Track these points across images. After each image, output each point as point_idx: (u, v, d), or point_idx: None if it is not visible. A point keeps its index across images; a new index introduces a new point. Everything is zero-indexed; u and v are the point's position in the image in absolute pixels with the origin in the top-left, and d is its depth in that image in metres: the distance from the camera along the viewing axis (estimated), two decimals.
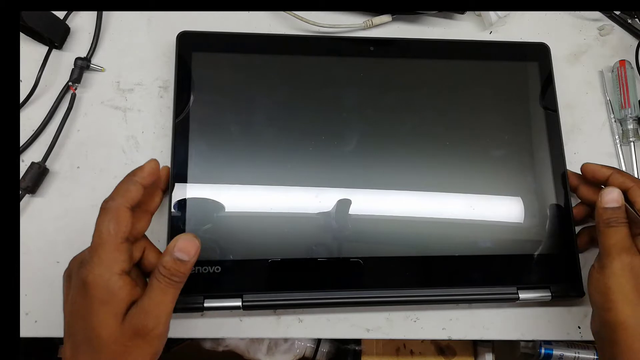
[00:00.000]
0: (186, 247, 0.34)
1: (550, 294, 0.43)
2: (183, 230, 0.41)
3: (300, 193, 0.43)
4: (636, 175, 0.49)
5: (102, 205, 0.35)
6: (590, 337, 0.44)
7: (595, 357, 0.59)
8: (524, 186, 0.46)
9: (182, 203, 0.41)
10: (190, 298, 0.39)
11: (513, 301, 0.43)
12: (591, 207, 0.45)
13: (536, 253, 0.44)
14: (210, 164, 0.42)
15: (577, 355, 0.59)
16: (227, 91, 0.45)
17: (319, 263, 0.42)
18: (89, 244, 0.34)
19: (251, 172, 0.43)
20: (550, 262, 0.44)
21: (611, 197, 0.40)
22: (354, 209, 0.43)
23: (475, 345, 0.57)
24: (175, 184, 0.41)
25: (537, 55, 0.50)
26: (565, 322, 0.45)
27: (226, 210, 0.42)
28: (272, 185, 0.43)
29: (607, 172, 0.43)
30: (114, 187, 0.36)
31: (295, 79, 0.46)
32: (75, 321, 0.33)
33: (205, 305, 0.40)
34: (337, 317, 0.43)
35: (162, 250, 0.37)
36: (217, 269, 0.40)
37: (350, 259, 0.42)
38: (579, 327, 0.45)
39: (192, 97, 0.44)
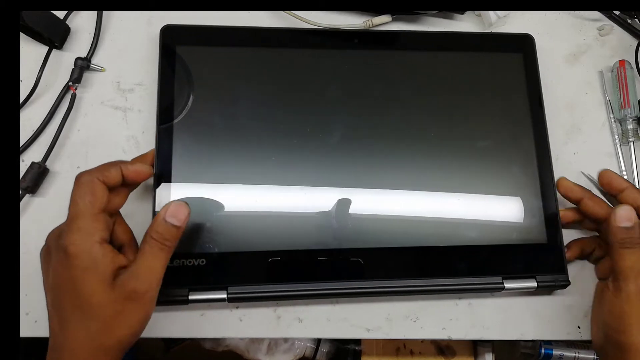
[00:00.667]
0: (177, 212, 0.36)
1: (535, 284, 0.43)
2: None
3: (284, 187, 0.43)
4: (635, 176, 0.49)
5: (76, 177, 0.35)
6: (590, 337, 0.45)
7: (595, 357, 0.59)
8: (510, 178, 0.46)
9: (165, 201, 0.41)
10: (175, 290, 0.40)
11: (498, 290, 0.43)
12: (592, 220, 0.45)
13: (522, 243, 0.44)
14: (194, 159, 0.43)
15: (577, 355, 0.59)
16: (212, 85, 0.45)
17: (304, 254, 0.42)
18: None
19: (236, 166, 0.43)
20: (536, 252, 0.44)
21: (626, 215, 0.39)
22: (339, 202, 0.43)
23: (475, 345, 0.57)
24: (160, 181, 0.42)
25: (521, 47, 0.50)
26: (565, 322, 0.45)
27: (211, 205, 0.42)
28: (256, 179, 0.43)
29: (623, 185, 0.43)
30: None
31: (279, 72, 0.46)
32: (61, 294, 0.33)
33: (190, 297, 0.40)
34: (337, 317, 0.43)
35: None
36: (202, 261, 0.41)
37: (339, 250, 0.42)
38: (579, 327, 0.45)
39: (175, 92, 0.44)
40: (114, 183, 0.37)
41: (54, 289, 0.34)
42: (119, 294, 0.33)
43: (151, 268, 0.35)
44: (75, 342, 0.33)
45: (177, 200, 0.37)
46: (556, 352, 0.59)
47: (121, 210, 0.40)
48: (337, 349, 0.63)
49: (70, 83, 0.45)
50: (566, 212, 0.46)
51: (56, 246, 0.34)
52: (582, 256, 0.46)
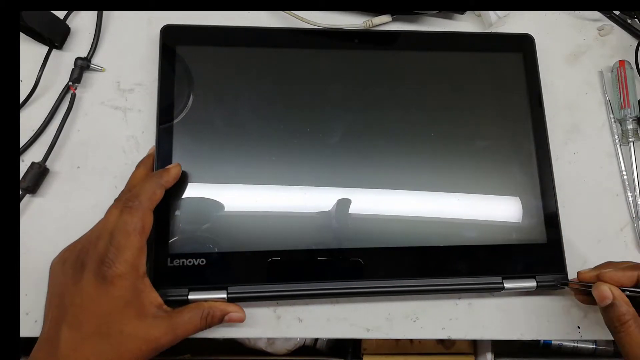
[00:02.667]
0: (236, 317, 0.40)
1: (535, 284, 0.43)
2: (167, 226, 0.41)
3: (284, 187, 0.43)
4: (635, 176, 0.49)
5: (125, 203, 0.35)
6: (590, 337, 0.45)
7: (594, 346, 0.60)
8: (510, 179, 0.46)
9: (165, 201, 0.41)
10: (175, 290, 0.40)
11: (498, 290, 0.43)
12: None
13: (522, 243, 0.44)
14: (194, 159, 0.43)
15: (575, 344, 0.60)
16: (212, 85, 0.45)
17: (304, 254, 0.42)
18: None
19: (236, 166, 0.43)
20: (535, 252, 0.44)
21: (599, 294, 0.38)
22: (339, 202, 0.43)
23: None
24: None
25: (521, 47, 0.50)
26: (565, 322, 0.45)
27: (211, 205, 0.42)
28: (256, 179, 0.43)
29: (594, 273, 0.41)
30: (127, 183, 0.38)
31: (279, 72, 0.46)
32: (87, 316, 0.33)
33: (190, 297, 0.40)
34: (337, 316, 0.43)
35: None
36: (202, 261, 0.41)
37: (339, 250, 0.42)
38: (579, 327, 0.45)
39: (175, 92, 0.44)
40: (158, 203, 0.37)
41: (76, 306, 0.34)
42: (155, 333, 0.34)
43: (192, 320, 0.37)
44: None
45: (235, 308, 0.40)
46: (555, 341, 0.60)
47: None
48: (338, 338, 0.62)
49: (70, 83, 0.45)
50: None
51: (95, 271, 0.34)
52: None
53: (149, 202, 0.35)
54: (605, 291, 0.37)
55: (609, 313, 0.38)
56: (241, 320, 0.40)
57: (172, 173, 0.39)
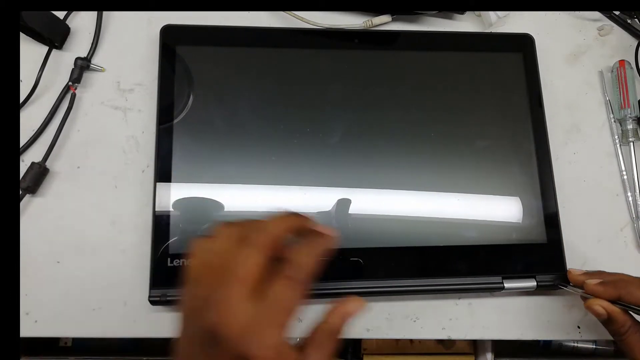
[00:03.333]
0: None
1: (535, 283, 0.43)
2: (167, 226, 0.41)
3: (284, 187, 0.43)
4: (635, 176, 0.49)
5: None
6: (590, 337, 0.45)
7: (594, 346, 0.60)
8: (510, 179, 0.46)
9: (165, 201, 0.41)
10: (175, 290, 0.39)
11: (498, 290, 0.43)
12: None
13: (522, 243, 0.45)
14: (194, 159, 0.43)
15: (575, 345, 0.60)
16: (212, 85, 0.45)
17: None
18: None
19: (236, 166, 0.43)
20: (535, 252, 0.44)
21: (594, 311, 0.39)
22: (339, 202, 0.43)
23: None
24: (160, 181, 0.42)
25: (521, 47, 0.50)
26: (565, 322, 0.45)
27: (211, 205, 0.42)
28: (256, 179, 0.43)
29: (582, 279, 0.41)
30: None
31: (279, 72, 0.46)
32: None
33: None
34: None
35: None
36: None
37: (338, 250, 0.42)
38: (579, 327, 0.45)
39: (175, 92, 0.44)
40: None
41: None
42: None
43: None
44: None
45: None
46: (555, 341, 0.60)
47: (119, 211, 0.40)
48: None
49: (70, 83, 0.45)
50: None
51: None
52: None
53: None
54: (598, 309, 0.38)
55: (608, 326, 0.39)
56: (361, 307, 0.30)
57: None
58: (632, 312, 0.38)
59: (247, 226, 0.29)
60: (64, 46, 0.48)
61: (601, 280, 0.40)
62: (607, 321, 0.38)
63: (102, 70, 0.47)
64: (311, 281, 0.28)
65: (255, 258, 0.27)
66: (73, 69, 0.46)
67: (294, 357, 0.27)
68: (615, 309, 0.38)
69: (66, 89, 0.46)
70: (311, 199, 0.43)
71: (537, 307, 0.45)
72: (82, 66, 0.46)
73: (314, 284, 0.39)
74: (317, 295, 0.42)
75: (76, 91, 0.46)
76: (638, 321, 0.38)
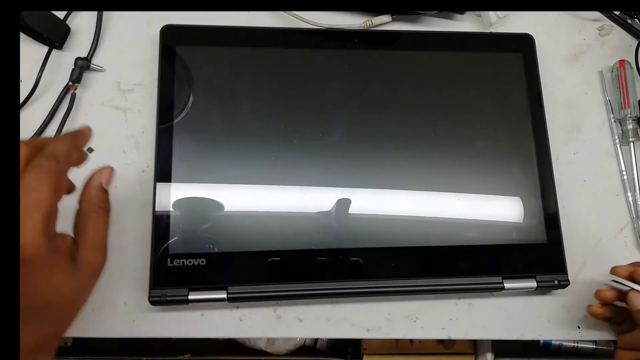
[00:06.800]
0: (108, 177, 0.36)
1: (535, 284, 0.43)
2: (167, 226, 0.41)
3: (284, 187, 0.43)
4: (635, 176, 0.49)
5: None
6: (590, 337, 0.45)
7: (594, 346, 0.60)
8: (510, 178, 0.46)
9: (165, 201, 0.41)
10: (175, 290, 0.40)
11: (498, 290, 0.43)
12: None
13: (522, 243, 0.45)
14: (194, 159, 0.43)
15: (575, 345, 0.60)
16: (212, 85, 0.45)
17: (304, 254, 0.42)
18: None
19: (236, 166, 0.43)
20: (535, 252, 0.44)
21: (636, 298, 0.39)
22: (339, 202, 0.43)
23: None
24: (160, 181, 0.42)
25: (521, 47, 0.50)
26: (565, 322, 0.45)
27: (211, 205, 0.42)
28: (256, 179, 0.43)
29: (630, 269, 0.41)
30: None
31: (279, 72, 0.46)
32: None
33: (190, 297, 0.40)
34: (337, 316, 0.43)
35: None
36: (202, 261, 0.41)
37: (338, 250, 0.42)
38: (579, 327, 0.45)
39: (175, 92, 0.44)
40: None
41: None
42: (80, 276, 0.33)
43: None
44: None
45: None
46: (555, 341, 0.60)
47: (119, 211, 0.40)
48: (338, 338, 0.63)
49: (70, 83, 0.45)
50: (596, 309, 0.43)
51: None
52: (607, 320, 0.44)
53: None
54: None
55: None
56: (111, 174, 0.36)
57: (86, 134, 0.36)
58: None
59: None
60: (64, 46, 0.48)
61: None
62: None
63: (102, 70, 0.47)
64: (67, 167, 0.33)
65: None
66: (73, 69, 0.46)
67: (53, 234, 0.31)
68: None
69: (66, 89, 0.46)
70: (311, 199, 0.43)
71: (537, 307, 0.45)
72: (82, 66, 0.46)
73: (314, 283, 0.40)
74: (318, 295, 0.42)
75: (76, 91, 0.46)
76: None
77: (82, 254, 0.34)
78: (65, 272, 0.33)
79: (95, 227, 0.35)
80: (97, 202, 0.35)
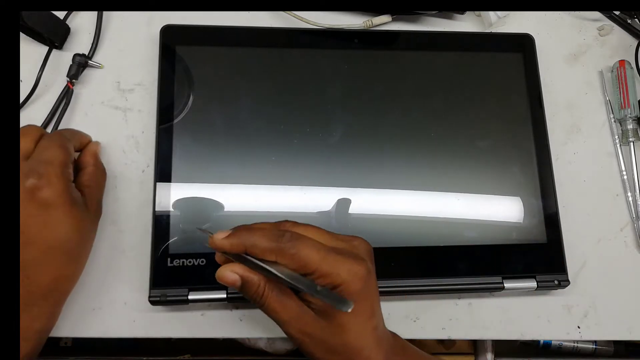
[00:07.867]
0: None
1: (535, 284, 0.43)
2: (167, 226, 0.41)
3: (284, 187, 0.43)
4: (635, 176, 0.49)
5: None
6: (590, 337, 0.45)
7: (594, 346, 0.60)
8: (510, 178, 0.46)
9: (165, 201, 0.41)
10: (175, 290, 0.40)
11: (498, 290, 0.43)
12: None
13: (522, 243, 0.45)
14: (194, 159, 0.43)
15: (575, 345, 0.60)
16: (212, 85, 0.45)
17: None
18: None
19: (236, 166, 0.43)
20: (536, 252, 0.44)
21: (227, 281, 0.33)
22: (339, 202, 0.43)
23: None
24: (160, 181, 0.42)
25: (521, 47, 0.50)
26: (565, 322, 0.45)
27: (211, 205, 0.42)
28: (256, 179, 0.43)
29: None
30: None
31: (279, 72, 0.46)
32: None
33: (190, 297, 0.40)
34: None
35: None
36: (202, 261, 0.41)
37: None
38: (579, 327, 0.45)
39: (175, 92, 0.44)
40: None
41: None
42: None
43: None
44: None
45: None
46: (555, 341, 0.60)
47: (119, 211, 0.40)
48: None
49: (68, 79, 0.45)
50: None
51: None
52: None
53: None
54: (228, 276, 0.33)
55: (245, 293, 0.34)
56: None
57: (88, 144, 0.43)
58: (251, 266, 0.32)
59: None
60: (64, 46, 0.48)
61: (229, 232, 0.33)
62: (243, 289, 0.33)
63: (100, 67, 0.47)
64: (69, 142, 0.39)
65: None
66: (71, 65, 0.45)
67: (70, 179, 0.37)
68: (245, 270, 0.33)
69: (66, 89, 0.46)
70: (311, 199, 0.43)
71: (537, 307, 0.45)
72: (80, 62, 0.46)
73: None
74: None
75: (73, 87, 0.46)
76: (268, 277, 0.33)
77: (88, 203, 0.39)
78: (81, 212, 0.37)
79: (97, 183, 0.41)
80: (96, 163, 0.42)
